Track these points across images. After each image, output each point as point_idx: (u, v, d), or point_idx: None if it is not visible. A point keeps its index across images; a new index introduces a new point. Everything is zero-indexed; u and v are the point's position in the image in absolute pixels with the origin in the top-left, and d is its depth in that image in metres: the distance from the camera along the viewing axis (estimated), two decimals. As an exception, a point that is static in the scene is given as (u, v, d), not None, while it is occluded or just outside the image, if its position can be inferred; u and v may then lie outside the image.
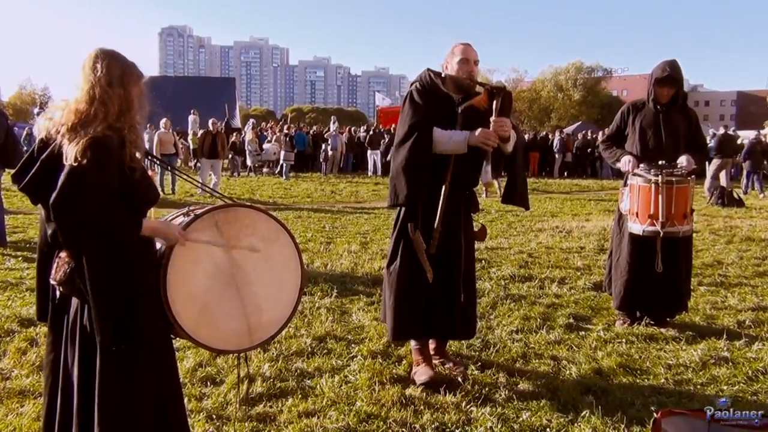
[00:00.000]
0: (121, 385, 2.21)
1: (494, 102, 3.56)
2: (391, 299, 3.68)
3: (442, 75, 3.73)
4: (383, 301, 3.85)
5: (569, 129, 33.31)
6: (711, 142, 16.66)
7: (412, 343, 3.80)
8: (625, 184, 4.81)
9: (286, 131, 22.78)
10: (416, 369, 3.71)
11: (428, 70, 3.76)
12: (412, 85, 3.77)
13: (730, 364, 4.01)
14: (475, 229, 3.85)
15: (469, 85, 3.69)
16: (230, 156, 21.29)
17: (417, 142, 3.52)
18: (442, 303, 3.64)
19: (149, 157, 3.08)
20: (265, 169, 22.25)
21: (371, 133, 23.91)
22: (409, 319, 3.64)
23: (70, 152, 2.07)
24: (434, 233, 3.54)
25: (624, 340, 4.43)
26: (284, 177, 19.48)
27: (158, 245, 2.44)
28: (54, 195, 2.07)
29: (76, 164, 2.05)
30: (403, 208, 3.67)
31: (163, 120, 14.99)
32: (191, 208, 2.71)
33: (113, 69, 2.22)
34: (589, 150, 24.44)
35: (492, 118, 3.53)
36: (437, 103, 3.63)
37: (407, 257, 3.62)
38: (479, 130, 3.51)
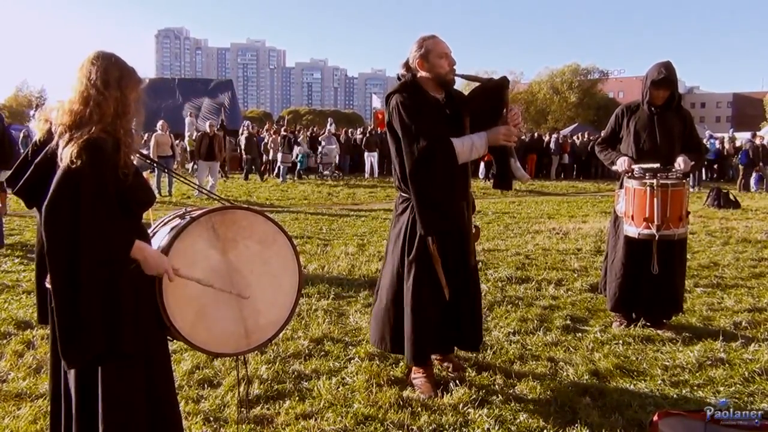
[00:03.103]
0: (124, 385, 2.21)
1: (505, 94, 3.40)
2: (420, 320, 3.41)
3: (417, 76, 3.47)
4: (385, 322, 3.61)
5: (566, 131, 33.37)
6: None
7: None
8: (621, 186, 4.82)
9: (283, 133, 22.71)
10: (416, 376, 3.65)
11: (408, 71, 3.49)
12: (392, 96, 3.43)
13: (727, 365, 4.01)
14: None
15: (451, 80, 3.50)
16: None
17: (444, 164, 3.24)
18: (463, 314, 3.54)
19: (146, 160, 3.07)
20: (326, 172, 21.79)
21: (367, 135, 23.89)
22: (436, 338, 3.48)
23: (66, 154, 2.05)
24: (470, 243, 3.47)
25: (621, 341, 4.43)
26: (281, 179, 19.47)
27: (154, 247, 2.43)
28: (48, 197, 2.04)
29: (72, 166, 2.03)
30: (411, 221, 3.42)
31: (160, 122, 14.98)
32: (188, 209, 2.71)
33: (111, 71, 2.21)
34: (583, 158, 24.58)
35: (507, 112, 3.37)
36: (428, 108, 3.39)
37: (429, 275, 3.41)
38: (499, 128, 3.33)
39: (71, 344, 2.06)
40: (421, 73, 3.46)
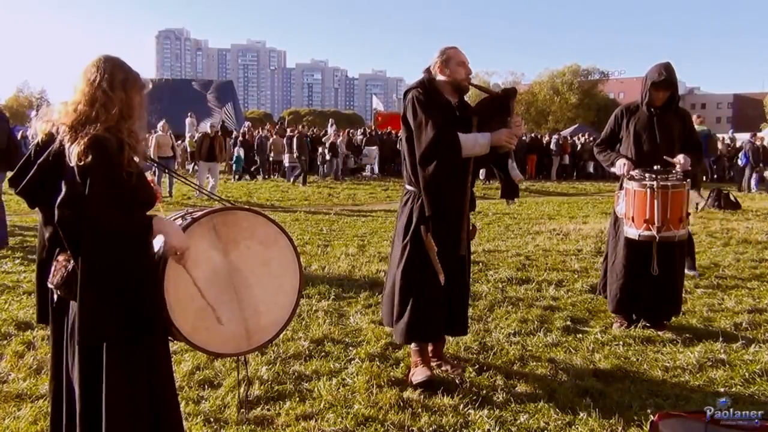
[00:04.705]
0: (128, 385, 2.22)
1: (511, 103, 3.70)
2: (408, 302, 3.64)
3: (436, 79, 3.75)
4: (389, 304, 3.79)
5: (566, 132, 33.38)
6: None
7: (412, 344, 3.78)
8: (621, 187, 4.82)
9: (289, 134, 22.59)
10: (414, 371, 3.70)
11: (428, 74, 3.76)
12: (410, 91, 3.72)
13: (727, 366, 4.02)
14: None
15: (466, 87, 3.78)
16: (328, 157, 20.86)
17: (449, 150, 3.50)
18: (453, 301, 3.70)
19: (147, 161, 3.08)
20: (365, 173, 21.76)
21: (368, 135, 23.88)
22: (425, 321, 3.64)
23: (73, 153, 2.08)
24: (462, 235, 3.65)
25: (621, 342, 4.44)
26: (287, 179, 19.43)
27: (156, 248, 2.44)
28: (61, 195, 2.06)
29: (81, 164, 2.06)
30: (415, 212, 3.65)
31: (161, 123, 14.99)
32: (189, 210, 2.72)
33: (116, 74, 2.25)
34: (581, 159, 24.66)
35: (511, 119, 3.66)
36: (439, 107, 3.63)
37: (421, 260, 3.63)
38: (502, 130, 3.61)
39: (90, 323, 2.11)
40: (440, 77, 3.74)
